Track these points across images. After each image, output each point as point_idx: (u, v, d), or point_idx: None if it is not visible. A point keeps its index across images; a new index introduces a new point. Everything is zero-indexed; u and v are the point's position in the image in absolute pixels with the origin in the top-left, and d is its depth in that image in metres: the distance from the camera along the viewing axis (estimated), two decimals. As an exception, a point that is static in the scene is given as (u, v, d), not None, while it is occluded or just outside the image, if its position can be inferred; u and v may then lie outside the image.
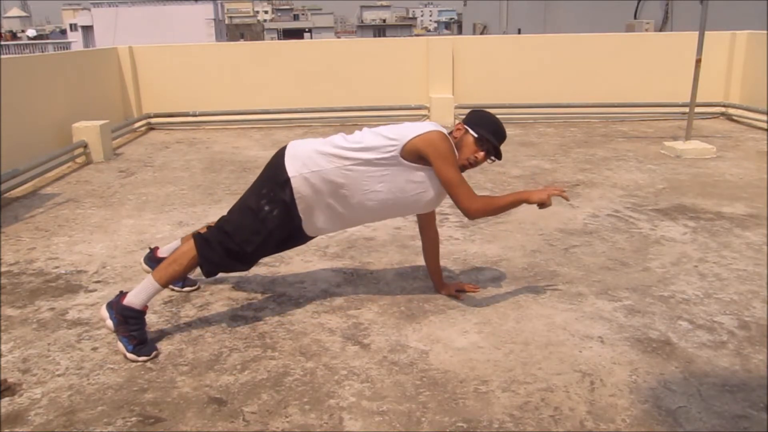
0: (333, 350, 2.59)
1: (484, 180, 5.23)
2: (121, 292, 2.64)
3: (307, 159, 2.65)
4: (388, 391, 2.30)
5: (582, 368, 2.42)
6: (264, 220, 2.65)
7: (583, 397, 2.24)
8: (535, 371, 2.41)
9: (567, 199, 2.78)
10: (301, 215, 2.69)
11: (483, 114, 2.82)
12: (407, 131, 2.65)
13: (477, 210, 2.65)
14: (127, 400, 2.27)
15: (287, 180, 2.64)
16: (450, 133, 2.74)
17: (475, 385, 2.32)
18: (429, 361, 2.49)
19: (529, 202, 2.67)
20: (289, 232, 2.74)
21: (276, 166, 2.69)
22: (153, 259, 3.11)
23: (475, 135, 2.71)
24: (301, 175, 2.64)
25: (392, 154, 2.62)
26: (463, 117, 2.87)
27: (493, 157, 2.77)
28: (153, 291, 2.61)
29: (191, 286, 3.19)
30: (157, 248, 3.16)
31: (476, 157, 2.72)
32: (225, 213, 2.81)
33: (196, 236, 2.66)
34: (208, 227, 2.81)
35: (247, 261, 2.72)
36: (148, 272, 3.12)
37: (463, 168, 2.73)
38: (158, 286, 2.60)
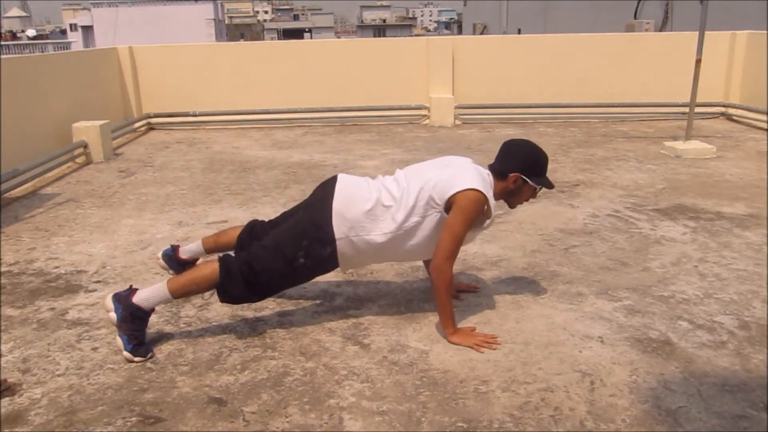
0: (333, 350, 2.59)
1: (484, 180, 5.23)
2: (131, 287, 2.63)
3: (355, 222, 2.61)
4: (388, 391, 2.30)
5: (582, 368, 2.42)
6: (296, 269, 2.63)
7: (583, 397, 2.24)
8: (535, 371, 2.41)
9: (482, 351, 2.56)
10: (339, 264, 2.69)
11: (529, 150, 2.73)
12: (450, 183, 2.58)
13: (442, 273, 2.54)
14: (127, 400, 2.27)
15: (332, 241, 2.61)
16: (504, 180, 2.68)
17: (475, 385, 2.32)
18: (429, 361, 2.49)
19: (447, 337, 2.61)
20: (318, 274, 2.75)
21: (322, 219, 2.62)
22: (173, 258, 3.10)
23: (537, 186, 2.70)
24: (348, 238, 2.62)
25: (436, 215, 2.60)
26: (505, 146, 2.78)
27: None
28: (163, 299, 2.60)
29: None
30: (178, 247, 3.15)
31: (533, 197, 2.76)
32: (242, 223, 2.78)
33: (222, 265, 2.59)
34: (238, 247, 2.82)
35: (265, 296, 2.72)
36: (165, 269, 3.12)
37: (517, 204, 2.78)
38: (169, 297, 2.59)
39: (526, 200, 2.77)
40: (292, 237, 2.64)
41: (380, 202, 2.63)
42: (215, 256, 3.23)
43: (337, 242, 2.61)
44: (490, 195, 2.59)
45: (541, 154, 2.74)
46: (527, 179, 2.67)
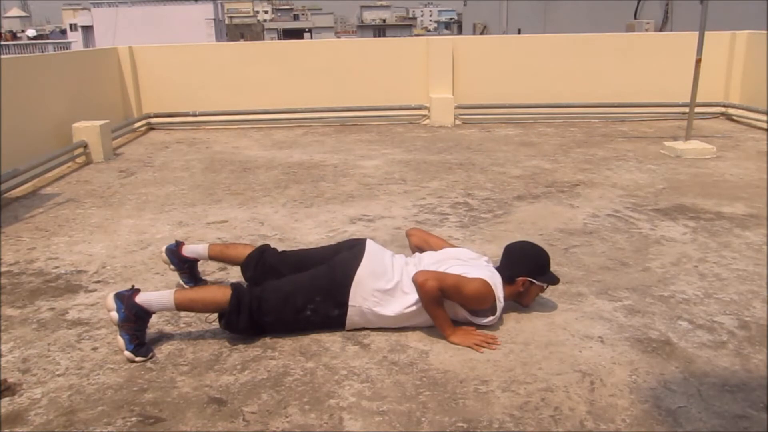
0: (333, 350, 2.59)
1: (484, 180, 5.23)
2: (134, 287, 2.65)
3: (372, 296, 2.68)
4: (388, 391, 2.30)
5: (582, 368, 2.42)
6: (300, 320, 2.69)
7: (583, 397, 2.24)
8: (535, 371, 2.41)
9: (482, 351, 2.59)
10: (345, 327, 2.73)
11: (532, 255, 2.89)
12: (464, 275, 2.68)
13: (424, 288, 2.58)
14: (127, 400, 2.27)
15: (345, 305, 2.67)
16: (512, 284, 2.80)
17: (475, 385, 2.32)
18: (429, 361, 2.49)
19: (447, 338, 2.64)
20: (318, 328, 2.77)
21: (341, 283, 2.68)
22: (176, 254, 3.12)
23: (543, 286, 2.87)
24: (360, 308, 2.68)
25: (447, 302, 2.67)
26: (509, 251, 2.93)
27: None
28: (167, 307, 2.63)
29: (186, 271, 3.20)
30: (182, 244, 3.16)
31: (542, 292, 2.92)
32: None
33: (234, 295, 2.61)
34: (247, 273, 2.91)
35: (263, 334, 2.73)
36: (166, 263, 3.14)
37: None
38: (173, 307, 2.62)
39: (536, 296, 2.91)
40: (308, 289, 2.70)
41: (400, 287, 2.71)
42: (218, 272, 3.28)
43: (350, 308, 2.68)
44: (499, 295, 2.71)
45: (544, 255, 2.91)
46: (534, 281, 2.83)
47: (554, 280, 2.89)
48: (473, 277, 2.66)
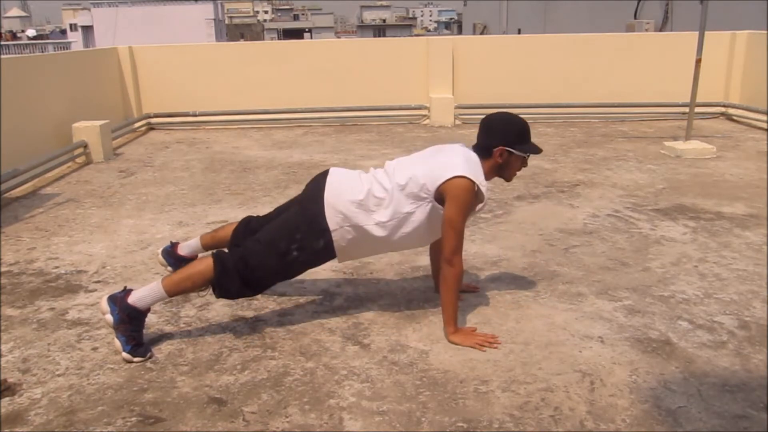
0: (333, 350, 2.59)
1: (484, 180, 5.23)
2: (126, 288, 2.64)
3: (347, 212, 2.62)
4: (388, 391, 2.30)
5: (582, 368, 2.42)
6: (290, 263, 2.65)
7: (583, 397, 2.24)
8: (535, 371, 2.41)
9: (484, 350, 2.57)
10: (336, 254, 2.70)
11: (507, 122, 2.73)
12: (439, 173, 2.58)
13: (453, 266, 2.57)
14: (127, 400, 2.27)
15: (326, 230, 2.63)
16: (490, 157, 2.68)
17: (475, 385, 2.32)
18: (429, 361, 2.49)
19: (448, 336, 2.63)
20: (313, 266, 2.76)
21: (315, 212, 2.64)
22: (172, 255, 3.11)
23: (523, 155, 2.72)
24: (342, 228, 2.63)
25: (428, 205, 2.61)
26: (483, 123, 2.75)
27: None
28: (158, 298, 2.60)
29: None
30: (177, 244, 3.15)
31: (523, 167, 2.79)
32: (239, 218, 2.78)
33: (216, 260, 2.59)
34: (232, 243, 2.83)
35: (260, 290, 2.73)
36: (163, 265, 3.13)
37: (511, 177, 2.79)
38: (165, 295, 2.59)
39: (518, 170, 2.78)
40: (286, 231, 2.65)
41: (372, 194, 2.64)
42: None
43: (332, 233, 2.63)
44: (480, 179, 2.59)
45: (520, 121, 2.74)
46: (512, 150, 2.68)
47: (535, 150, 2.71)
48: (447, 178, 2.53)
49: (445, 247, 2.59)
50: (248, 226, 2.93)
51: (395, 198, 2.62)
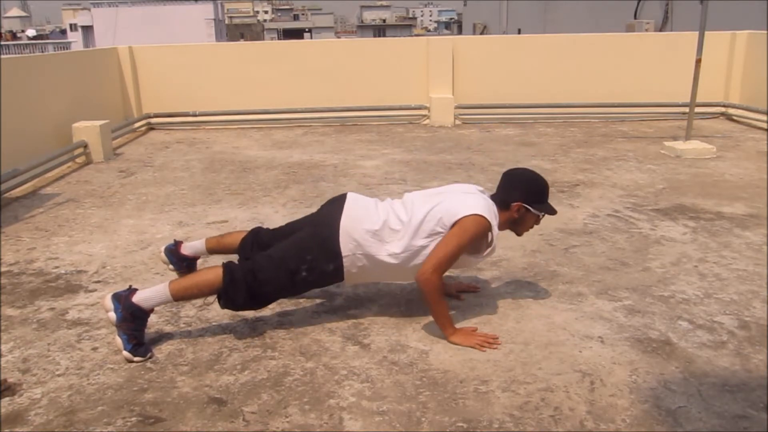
0: (333, 350, 2.59)
1: (484, 180, 5.23)
2: (131, 287, 2.64)
3: (361, 240, 2.64)
4: (388, 391, 2.30)
5: (582, 368, 2.42)
6: (298, 282, 2.67)
7: (583, 397, 2.24)
8: (535, 371, 2.41)
9: (484, 350, 2.57)
10: (345, 279, 2.72)
11: (529, 180, 2.79)
12: (458, 209, 2.62)
13: (428, 282, 2.56)
14: (127, 400, 2.27)
15: (338, 255, 2.65)
16: (507, 210, 2.73)
17: (475, 385, 2.32)
18: (429, 361, 2.49)
19: (447, 338, 2.63)
20: (319, 287, 2.79)
21: (328, 236, 2.66)
22: (174, 253, 3.11)
23: (539, 214, 2.77)
24: (354, 255, 2.66)
25: (440, 239, 2.64)
26: (507, 177, 2.82)
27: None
28: (164, 300, 2.61)
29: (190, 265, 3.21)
30: (180, 243, 3.16)
31: (537, 224, 2.83)
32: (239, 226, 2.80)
33: (226, 271, 2.61)
34: (241, 254, 2.86)
35: (265, 305, 2.74)
36: (165, 263, 3.13)
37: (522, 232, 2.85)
38: (170, 298, 2.60)
39: (531, 227, 2.84)
40: (298, 250, 2.67)
41: (387, 225, 2.67)
42: (216, 258, 3.27)
43: (344, 259, 2.66)
44: (494, 224, 2.65)
45: (542, 181, 2.81)
46: (530, 208, 2.73)
47: (551, 210, 2.78)
48: (465, 215, 2.58)
49: (428, 261, 2.58)
50: (257, 236, 2.95)
51: (410, 231, 2.65)
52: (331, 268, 2.66)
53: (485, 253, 2.71)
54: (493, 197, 2.77)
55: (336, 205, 2.76)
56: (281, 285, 2.66)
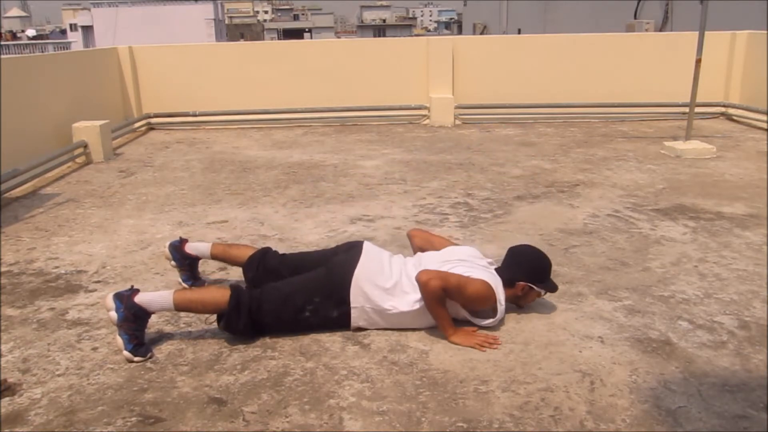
0: (333, 350, 2.59)
1: (484, 180, 5.23)
2: (133, 287, 2.65)
3: (372, 295, 2.69)
4: (388, 391, 2.30)
5: (582, 368, 2.42)
6: (300, 321, 2.70)
7: (583, 397, 2.24)
8: (535, 371, 2.41)
9: (484, 350, 2.59)
10: (350, 326, 2.73)
11: (534, 260, 2.88)
12: (467, 276, 2.69)
13: (427, 287, 2.58)
14: (127, 400, 2.27)
15: (346, 304, 2.68)
16: (512, 287, 2.81)
17: (475, 385, 2.32)
18: (429, 361, 2.49)
19: (447, 338, 2.65)
20: (320, 329, 2.78)
21: (339, 283, 2.70)
22: (178, 250, 3.12)
23: (542, 292, 2.88)
24: (362, 308, 2.70)
25: (449, 301, 2.68)
26: (512, 255, 2.93)
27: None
28: (166, 307, 2.63)
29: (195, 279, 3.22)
30: (185, 241, 3.16)
31: (537, 297, 2.90)
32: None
33: (233, 295, 2.63)
34: (247, 275, 2.92)
35: (263, 335, 2.73)
36: (168, 259, 3.14)
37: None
38: (172, 307, 2.63)
39: (533, 300, 2.91)
40: (307, 290, 2.71)
41: (399, 284, 2.72)
42: (217, 265, 3.28)
43: (352, 310, 2.69)
44: (501, 298, 2.72)
45: (545, 261, 2.90)
46: (533, 287, 2.83)
47: (553, 288, 2.90)
48: (476, 278, 2.67)
49: (432, 272, 2.61)
50: (265, 257, 2.98)
51: (419, 296, 2.67)
52: (335, 314, 2.70)
53: (488, 322, 2.74)
54: (499, 272, 2.84)
55: (352, 253, 2.81)
56: (283, 319, 2.69)
